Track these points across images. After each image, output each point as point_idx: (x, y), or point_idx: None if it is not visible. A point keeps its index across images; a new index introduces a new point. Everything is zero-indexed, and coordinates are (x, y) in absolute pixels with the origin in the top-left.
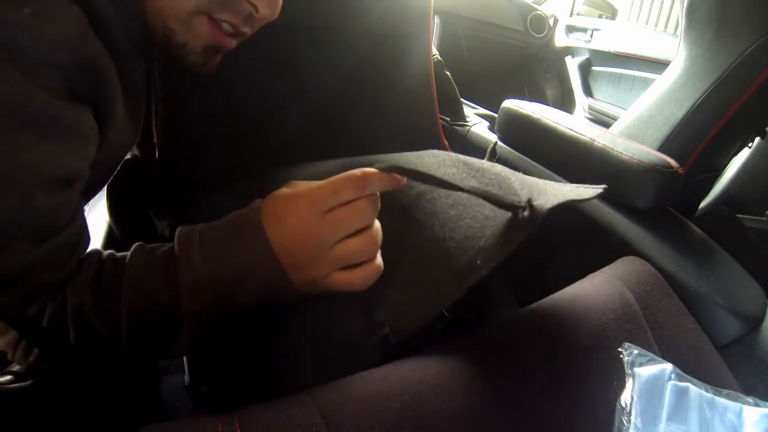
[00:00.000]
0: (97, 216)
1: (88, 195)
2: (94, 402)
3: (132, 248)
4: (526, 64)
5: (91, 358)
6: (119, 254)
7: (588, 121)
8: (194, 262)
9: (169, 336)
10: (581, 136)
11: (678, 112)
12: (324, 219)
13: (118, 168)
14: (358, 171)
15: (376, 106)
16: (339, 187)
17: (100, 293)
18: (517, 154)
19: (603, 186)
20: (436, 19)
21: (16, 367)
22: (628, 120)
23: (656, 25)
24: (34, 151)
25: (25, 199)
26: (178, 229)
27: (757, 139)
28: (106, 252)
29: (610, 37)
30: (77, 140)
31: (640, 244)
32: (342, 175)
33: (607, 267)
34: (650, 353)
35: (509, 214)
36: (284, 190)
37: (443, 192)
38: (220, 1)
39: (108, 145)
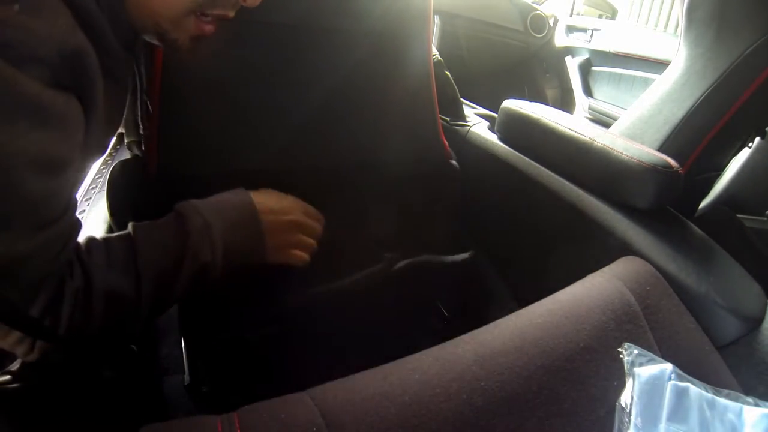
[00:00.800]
0: (97, 216)
1: (77, 184)
2: (94, 402)
3: (130, 226)
4: (526, 64)
5: (111, 333)
6: (115, 234)
7: (588, 121)
8: (200, 212)
9: (176, 280)
10: (581, 136)
11: (678, 112)
12: (300, 216)
13: (115, 167)
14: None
15: (376, 106)
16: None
17: (119, 263)
18: (517, 154)
19: None
20: (436, 19)
21: (14, 367)
22: (628, 120)
23: (656, 25)
24: (28, 138)
25: (19, 186)
26: (179, 203)
27: (757, 139)
28: (103, 235)
29: (610, 37)
30: (68, 128)
31: (640, 244)
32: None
33: (607, 267)
34: (650, 353)
35: None
36: (275, 192)
37: None
38: (209, 2)
39: (91, 135)
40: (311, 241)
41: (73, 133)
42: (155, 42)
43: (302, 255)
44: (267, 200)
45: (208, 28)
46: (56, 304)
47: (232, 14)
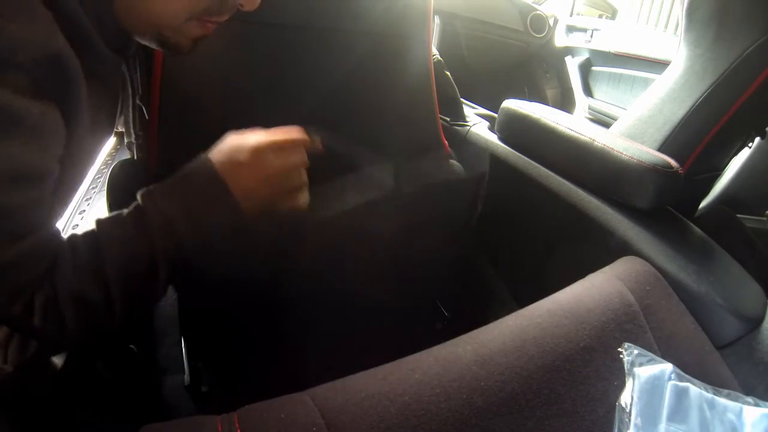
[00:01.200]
0: (97, 216)
1: (68, 192)
2: (94, 402)
3: (94, 223)
4: (526, 64)
5: (90, 336)
6: (80, 233)
7: (588, 121)
8: (159, 205)
9: (151, 282)
10: (581, 136)
11: (678, 112)
12: (272, 161)
13: (115, 167)
14: (294, 135)
15: (376, 106)
16: (282, 144)
17: (84, 270)
18: (517, 154)
19: None
20: (436, 19)
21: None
22: (628, 120)
23: (656, 25)
24: (0, 149)
25: None
26: (139, 192)
27: (757, 139)
28: (68, 235)
29: (610, 37)
30: (43, 138)
31: (640, 244)
32: (284, 136)
33: (607, 267)
34: (650, 353)
35: None
36: (235, 142)
37: None
38: (210, 9)
39: (77, 141)
40: (300, 179)
41: (49, 143)
42: (155, 47)
43: (295, 202)
44: (233, 160)
45: (210, 27)
46: (28, 316)
47: (226, 18)
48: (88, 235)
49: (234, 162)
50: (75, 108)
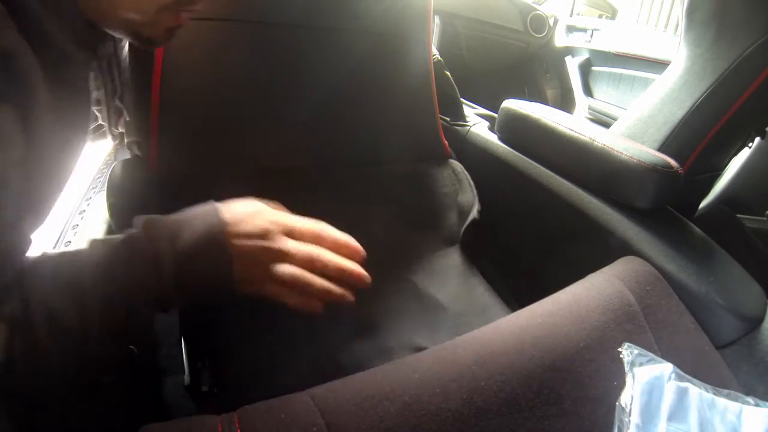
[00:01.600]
0: (97, 216)
1: (43, 200)
2: (94, 402)
3: (87, 242)
4: (526, 64)
5: (66, 360)
6: (70, 250)
7: (588, 121)
8: (157, 242)
9: (132, 314)
10: (581, 136)
11: (678, 112)
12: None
13: (116, 167)
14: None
15: (376, 106)
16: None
17: (63, 286)
18: (517, 154)
19: None
20: (436, 19)
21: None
22: (628, 120)
23: (656, 25)
24: None
25: None
26: (137, 218)
27: (757, 139)
28: (56, 251)
29: (610, 37)
30: None
31: (640, 244)
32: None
33: (607, 267)
34: (650, 353)
35: None
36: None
37: None
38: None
39: (38, 145)
40: (320, 285)
41: (1, 148)
42: (129, 39)
43: (283, 294)
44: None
45: (184, 17)
46: None
47: (199, 6)
48: (76, 253)
49: (241, 214)
50: (31, 109)
